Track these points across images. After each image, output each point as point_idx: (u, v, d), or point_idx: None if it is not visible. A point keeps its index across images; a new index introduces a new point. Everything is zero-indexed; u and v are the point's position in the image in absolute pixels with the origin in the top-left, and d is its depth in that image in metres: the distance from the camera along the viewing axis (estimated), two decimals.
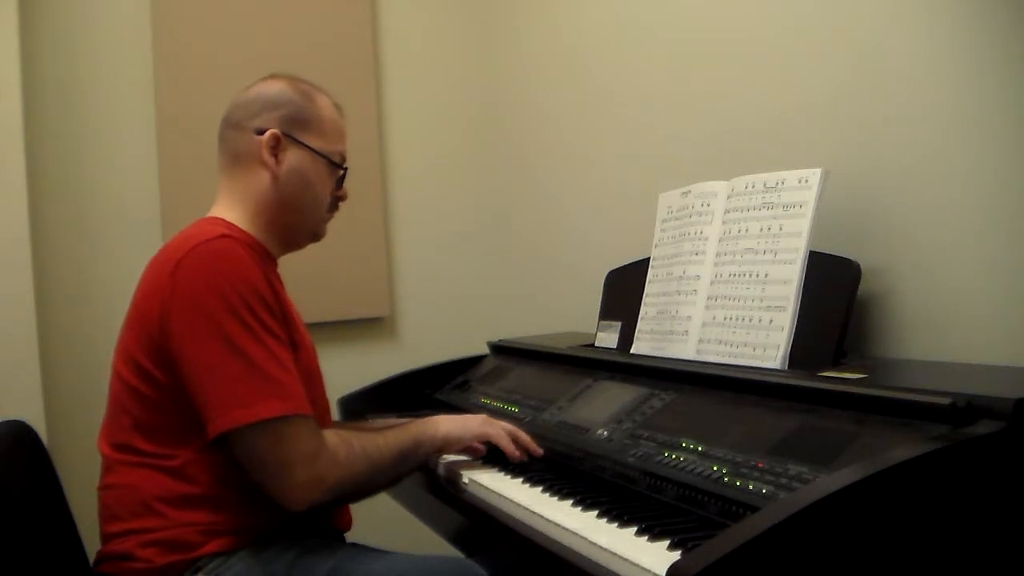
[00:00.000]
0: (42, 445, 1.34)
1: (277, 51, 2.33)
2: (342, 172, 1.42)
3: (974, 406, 0.94)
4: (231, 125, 1.38)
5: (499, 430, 1.39)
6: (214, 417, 1.15)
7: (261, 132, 1.34)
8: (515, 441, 1.39)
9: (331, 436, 1.21)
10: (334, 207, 1.44)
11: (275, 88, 1.38)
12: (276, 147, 1.34)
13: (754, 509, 0.95)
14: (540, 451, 1.39)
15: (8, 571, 1.13)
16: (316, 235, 1.43)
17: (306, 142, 1.36)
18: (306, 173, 1.36)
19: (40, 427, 1.84)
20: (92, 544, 1.29)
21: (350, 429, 1.32)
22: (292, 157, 1.35)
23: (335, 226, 1.47)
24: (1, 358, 2.02)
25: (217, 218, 1.34)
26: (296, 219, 1.38)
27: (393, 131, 2.63)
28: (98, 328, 2.20)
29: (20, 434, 1.30)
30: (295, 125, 1.36)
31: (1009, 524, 0.91)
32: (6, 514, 1.16)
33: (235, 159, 1.37)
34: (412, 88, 2.67)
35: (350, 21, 2.56)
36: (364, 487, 1.27)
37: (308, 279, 2.42)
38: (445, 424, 1.37)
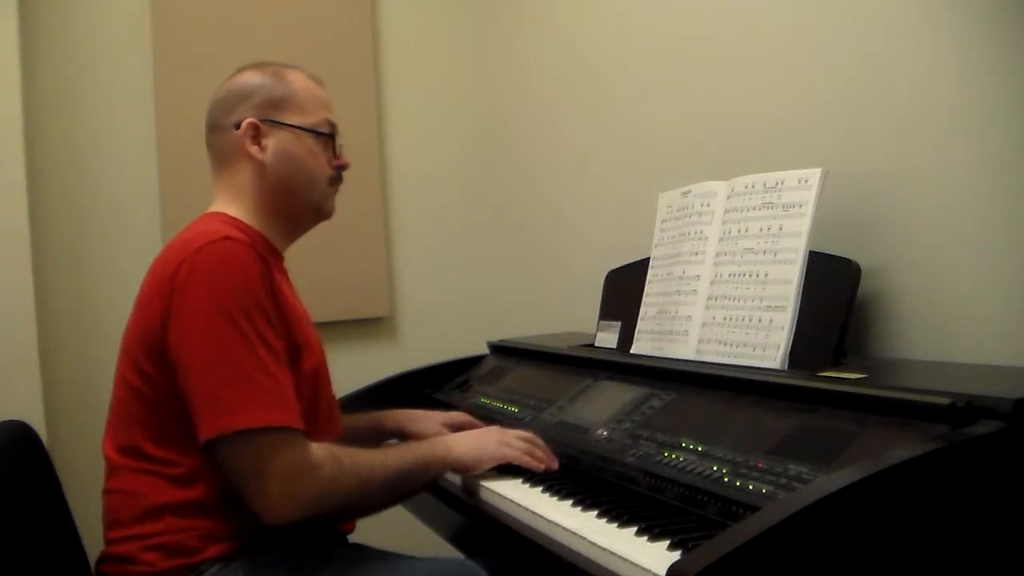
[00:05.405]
0: (42, 445, 1.34)
1: (277, 51, 2.28)
2: (334, 140, 1.37)
3: (974, 406, 0.94)
4: (212, 128, 1.36)
5: (518, 451, 1.33)
6: (201, 423, 1.14)
7: (239, 126, 1.32)
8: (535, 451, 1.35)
9: (319, 451, 1.16)
10: (337, 179, 1.39)
11: (245, 79, 1.36)
12: (256, 135, 1.31)
13: (754, 509, 0.95)
14: (556, 464, 1.34)
15: (8, 571, 1.13)
16: (321, 212, 1.38)
17: (285, 121, 1.32)
18: (293, 152, 1.32)
19: (40, 427, 1.84)
20: (92, 544, 1.29)
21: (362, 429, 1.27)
22: (275, 140, 1.32)
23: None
24: (1, 358, 2.02)
25: (221, 214, 1.32)
26: (295, 201, 1.35)
27: (393, 131, 2.63)
28: (98, 328, 2.21)
29: (20, 434, 1.30)
30: (270, 108, 1.32)
31: (1009, 524, 0.91)
32: (6, 514, 1.16)
33: (222, 160, 1.35)
34: (412, 88, 2.67)
35: (350, 21, 2.56)
36: (351, 506, 1.21)
37: (309, 279, 2.40)
38: (459, 447, 1.31)
